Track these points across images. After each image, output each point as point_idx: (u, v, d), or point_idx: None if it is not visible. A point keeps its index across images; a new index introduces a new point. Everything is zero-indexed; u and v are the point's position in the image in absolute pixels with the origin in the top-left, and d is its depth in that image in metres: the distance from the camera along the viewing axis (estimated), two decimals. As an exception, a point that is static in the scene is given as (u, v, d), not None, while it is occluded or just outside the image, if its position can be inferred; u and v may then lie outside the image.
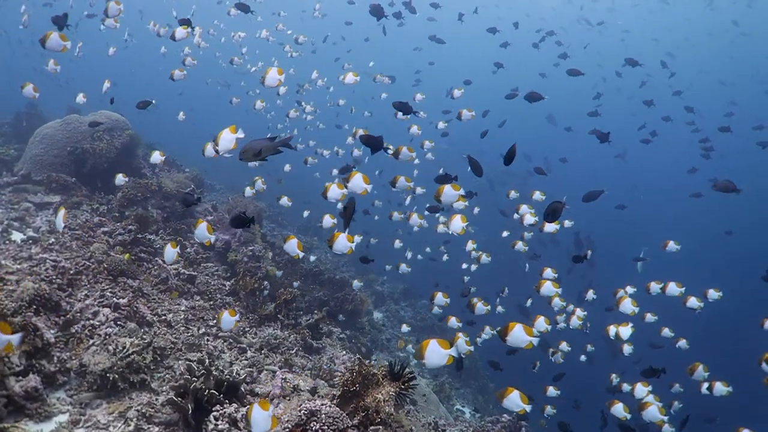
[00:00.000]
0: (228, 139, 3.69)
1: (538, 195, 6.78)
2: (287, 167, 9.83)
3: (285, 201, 7.40)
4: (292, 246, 4.72)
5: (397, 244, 9.50)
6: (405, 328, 9.08)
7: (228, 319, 4.54)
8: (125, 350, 4.25)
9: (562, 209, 4.77)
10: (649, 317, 6.26)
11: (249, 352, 5.65)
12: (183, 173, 10.44)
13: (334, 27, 19.67)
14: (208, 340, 5.46)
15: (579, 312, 5.98)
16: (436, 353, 3.18)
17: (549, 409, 6.78)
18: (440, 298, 6.33)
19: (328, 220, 6.01)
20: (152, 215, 7.99)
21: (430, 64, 19.62)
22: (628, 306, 5.61)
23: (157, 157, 6.76)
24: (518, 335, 3.67)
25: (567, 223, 7.31)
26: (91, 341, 4.38)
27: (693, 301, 5.82)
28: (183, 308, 6.03)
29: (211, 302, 6.61)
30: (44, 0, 14.27)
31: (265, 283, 7.34)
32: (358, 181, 4.19)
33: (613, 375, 7.13)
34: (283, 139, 3.69)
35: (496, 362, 7.37)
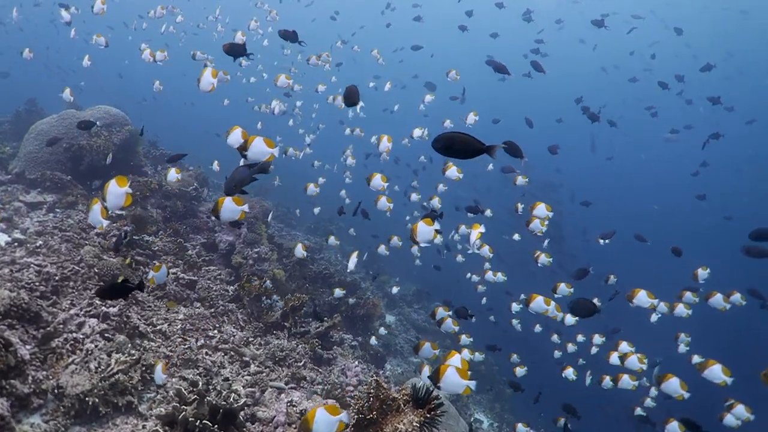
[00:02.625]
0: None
1: (520, 180, 6.64)
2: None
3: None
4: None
5: (396, 241, 8.85)
6: (373, 341, 8.33)
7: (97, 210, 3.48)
8: (109, 369, 3.72)
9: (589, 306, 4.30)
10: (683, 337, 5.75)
11: (252, 366, 5.11)
12: (186, 171, 9.95)
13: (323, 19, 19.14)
14: (206, 354, 4.93)
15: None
16: (323, 422, 2.83)
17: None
18: (428, 349, 5.51)
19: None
20: (151, 215, 7.50)
21: (431, 57, 18.96)
22: (643, 299, 5.03)
23: (67, 95, 6.70)
24: (452, 380, 3.13)
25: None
26: (71, 358, 3.86)
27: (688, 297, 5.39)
28: (181, 317, 5.51)
29: (213, 309, 6.09)
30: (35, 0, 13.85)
31: (268, 284, 6.79)
32: (259, 146, 3.58)
33: (639, 408, 6.60)
34: (259, 166, 3.69)
35: (517, 383, 6.76)
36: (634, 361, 5.21)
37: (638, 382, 5.38)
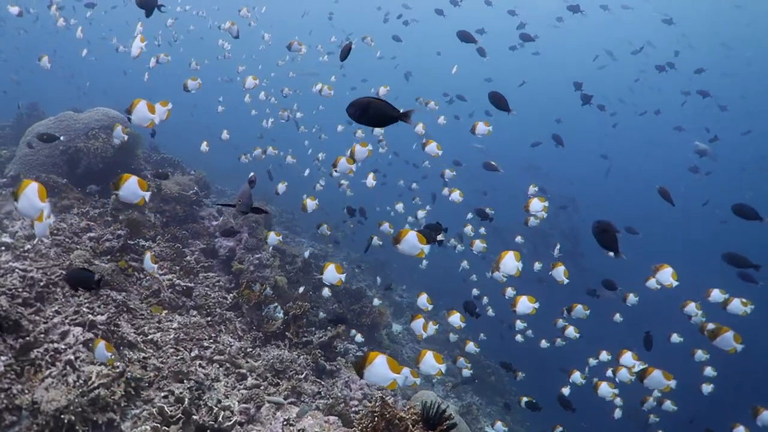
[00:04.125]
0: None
1: (532, 189, 6.56)
2: (225, 134, 8.97)
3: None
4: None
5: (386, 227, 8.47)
6: (359, 338, 7.69)
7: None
8: (89, 382, 3.41)
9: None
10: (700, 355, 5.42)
11: (249, 378, 4.77)
12: (187, 175, 9.70)
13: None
14: (200, 366, 4.60)
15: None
16: None
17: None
18: (418, 324, 4.93)
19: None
20: (149, 219, 7.22)
21: (438, 54, 18.76)
22: (666, 277, 4.70)
23: (45, 62, 6.26)
24: (378, 371, 2.73)
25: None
26: (49, 370, 3.54)
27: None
28: (175, 325, 5.19)
29: (209, 318, 5.76)
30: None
31: (269, 291, 6.46)
32: (142, 110, 3.40)
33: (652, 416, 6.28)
34: (250, 181, 3.98)
35: (534, 402, 6.38)
36: (628, 358, 5.03)
37: (617, 390, 5.19)
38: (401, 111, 2.58)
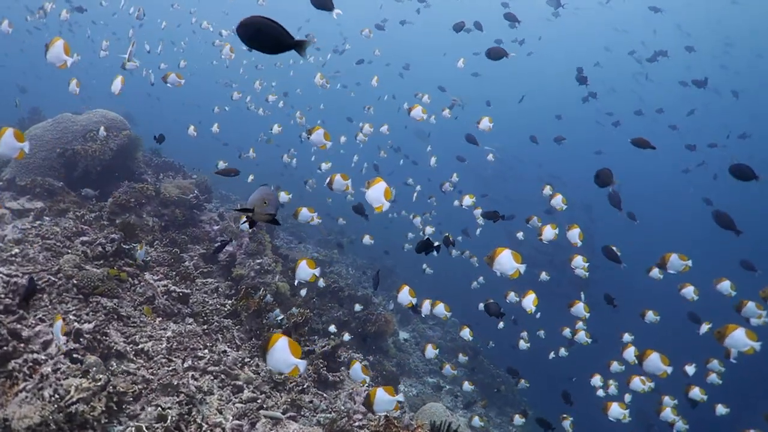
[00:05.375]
0: None
1: (547, 190, 6.42)
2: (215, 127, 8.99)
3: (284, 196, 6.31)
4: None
5: (367, 240, 8.34)
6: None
7: None
8: (67, 397, 3.12)
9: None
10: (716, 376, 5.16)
11: (246, 391, 4.47)
12: (189, 179, 9.48)
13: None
14: (193, 377, 4.30)
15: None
16: None
17: None
18: (405, 294, 4.84)
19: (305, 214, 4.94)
20: (147, 223, 6.98)
21: (444, 55, 18.72)
22: (676, 262, 4.59)
23: (5, 26, 6.05)
24: (280, 356, 2.60)
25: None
26: (24, 384, 3.26)
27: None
28: (169, 334, 4.90)
29: (206, 326, 5.47)
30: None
31: (269, 298, 6.17)
32: (56, 51, 3.83)
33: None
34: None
35: (548, 422, 6.07)
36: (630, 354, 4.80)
37: (629, 410, 4.94)
38: (296, 39, 2.29)
